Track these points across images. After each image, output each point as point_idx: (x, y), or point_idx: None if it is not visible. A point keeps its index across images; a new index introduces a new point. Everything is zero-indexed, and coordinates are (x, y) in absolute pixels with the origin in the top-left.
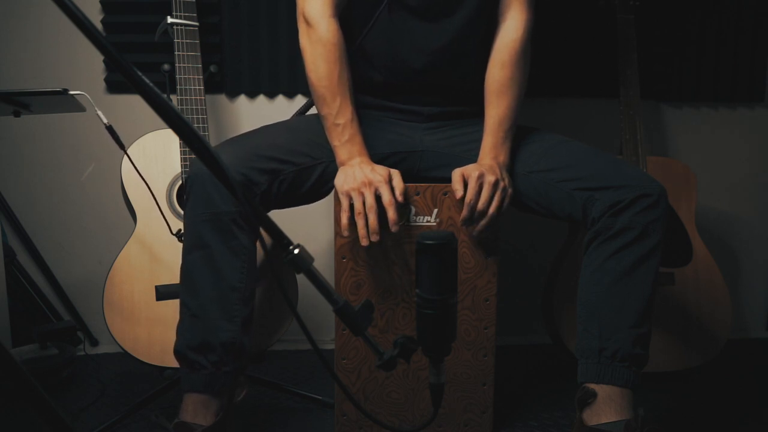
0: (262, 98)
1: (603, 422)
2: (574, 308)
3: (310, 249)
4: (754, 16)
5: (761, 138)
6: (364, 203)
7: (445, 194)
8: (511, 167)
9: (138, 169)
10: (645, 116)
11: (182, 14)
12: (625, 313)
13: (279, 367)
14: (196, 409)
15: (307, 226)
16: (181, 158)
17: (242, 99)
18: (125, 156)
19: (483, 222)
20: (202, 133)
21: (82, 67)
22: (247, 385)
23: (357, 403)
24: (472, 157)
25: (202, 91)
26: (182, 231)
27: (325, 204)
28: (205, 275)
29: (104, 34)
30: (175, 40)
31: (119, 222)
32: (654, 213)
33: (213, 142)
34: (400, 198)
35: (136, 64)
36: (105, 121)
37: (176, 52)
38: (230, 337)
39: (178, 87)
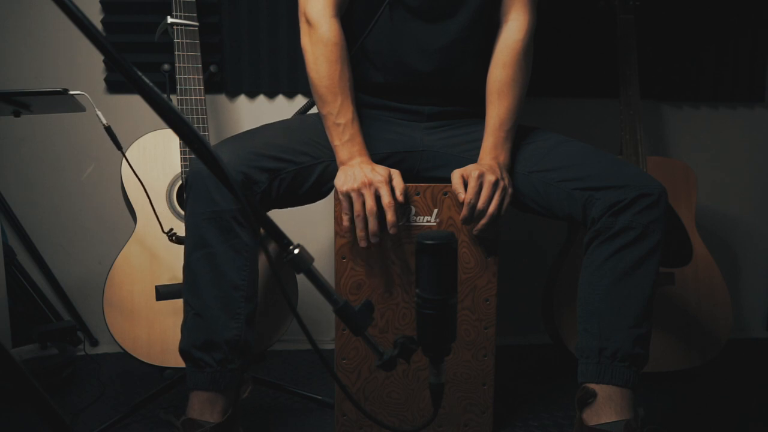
0: (262, 98)
1: (603, 422)
2: (574, 308)
3: (310, 249)
4: (754, 16)
5: (761, 138)
6: (363, 205)
7: (445, 194)
8: (511, 167)
9: (134, 169)
10: (645, 116)
11: (182, 14)
12: (625, 313)
13: (279, 367)
14: (202, 406)
15: (307, 226)
16: (181, 158)
17: (242, 99)
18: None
19: (483, 221)
20: (202, 133)
21: (82, 67)
22: (251, 382)
23: (357, 403)
24: (472, 157)
25: (202, 91)
26: (174, 230)
27: (325, 204)
28: (208, 274)
29: (104, 34)
30: (175, 40)
31: (119, 222)
32: (654, 213)
33: (213, 142)
34: (400, 198)
35: (136, 64)
36: (104, 121)
37: (176, 52)
38: (235, 335)
39: (178, 87)
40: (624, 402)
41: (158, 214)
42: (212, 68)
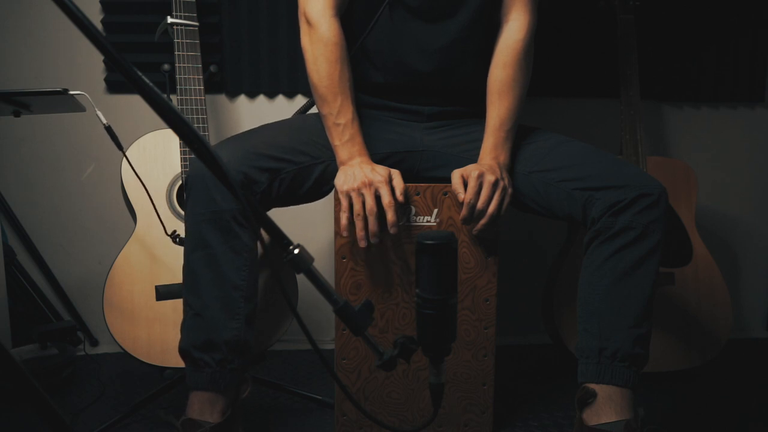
0: (262, 98)
1: (603, 422)
2: (574, 308)
3: (310, 249)
4: (754, 16)
5: (762, 138)
6: (363, 204)
7: (445, 194)
8: (512, 167)
9: (135, 169)
10: (646, 116)
11: (182, 14)
12: (625, 313)
13: (279, 367)
14: (202, 406)
15: (307, 226)
16: (181, 158)
17: (242, 99)
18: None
19: (483, 221)
20: (202, 133)
21: (82, 67)
22: (251, 382)
23: (357, 403)
24: (472, 157)
25: (202, 91)
26: (177, 231)
27: (325, 204)
28: (208, 275)
29: (104, 34)
30: (175, 40)
31: (119, 222)
32: (654, 213)
33: (213, 142)
34: (400, 198)
35: (136, 64)
36: (104, 121)
37: (176, 52)
38: (234, 335)
39: (178, 87)
40: (624, 402)
41: (158, 214)
42: (212, 68)
